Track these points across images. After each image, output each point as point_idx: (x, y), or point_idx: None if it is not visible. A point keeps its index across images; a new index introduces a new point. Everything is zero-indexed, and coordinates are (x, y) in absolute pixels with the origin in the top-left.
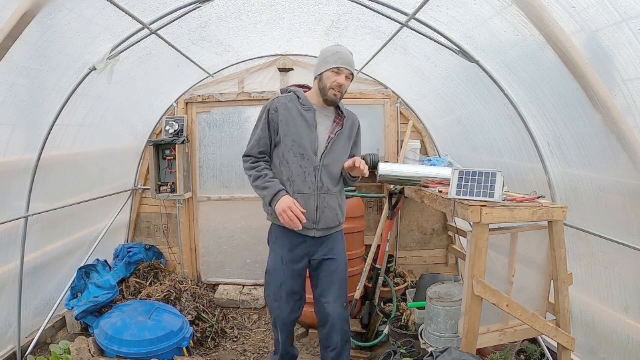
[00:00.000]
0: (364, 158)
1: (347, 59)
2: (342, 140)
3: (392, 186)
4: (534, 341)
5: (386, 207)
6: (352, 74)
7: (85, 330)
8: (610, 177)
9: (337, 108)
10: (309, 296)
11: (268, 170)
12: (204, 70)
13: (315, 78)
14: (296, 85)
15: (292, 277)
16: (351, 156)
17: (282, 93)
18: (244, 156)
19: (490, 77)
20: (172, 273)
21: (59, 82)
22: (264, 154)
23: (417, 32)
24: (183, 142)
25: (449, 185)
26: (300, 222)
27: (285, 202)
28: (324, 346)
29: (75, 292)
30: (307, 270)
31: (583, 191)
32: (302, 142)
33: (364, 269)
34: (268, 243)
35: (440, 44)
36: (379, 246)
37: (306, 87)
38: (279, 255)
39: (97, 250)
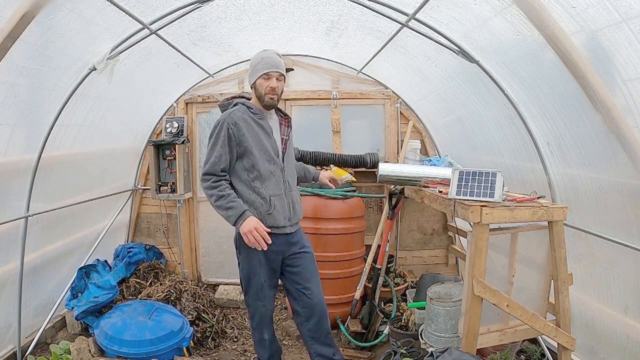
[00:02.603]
0: (362, 157)
1: (274, 61)
2: (291, 139)
3: (392, 186)
4: (534, 341)
5: (386, 207)
6: (282, 75)
7: (85, 330)
8: (610, 177)
9: (278, 109)
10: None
11: (230, 189)
12: (204, 70)
13: (251, 87)
14: (236, 96)
15: (271, 273)
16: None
17: (222, 105)
18: (204, 174)
19: (490, 77)
20: (172, 273)
21: (59, 82)
22: (224, 172)
23: (417, 32)
24: (183, 142)
25: (449, 185)
26: (266, 242)
27: (251, 223)
28: (316, 337)
29: (75, 292)
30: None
31: (583, 191)
32: (266, 149)
33: (364, 269)
34: (238, 249)
35: (440, 44)
36: (379, 246)
37: (245, 97)
38: (256, 258)
39: (97, 250)
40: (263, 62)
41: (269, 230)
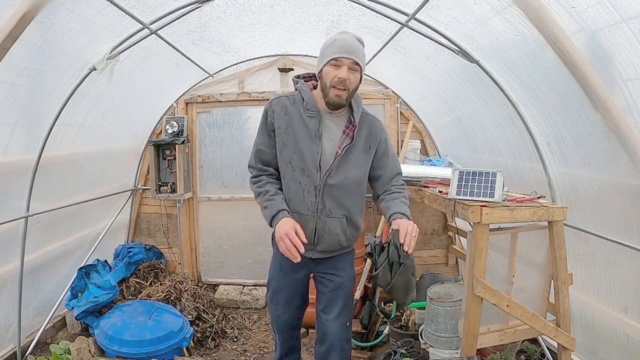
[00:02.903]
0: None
1: (348, 45)
2: (354, 155)
3: None
4: (534, 341)
5: None
6: (358, 64)
7: (85, 330)
8: (610, 177)
9: (351, 112)
10: (312, 296)
11: (270, 185)
12: (204, 70)
13: (317, 78)
14: (306, 76)
15: (291, 286)
16: (377, 176)
17: (294, 83)
18: (248, 167)
19: (490, 77)
20: (172, 273)
21: (59, 82)
22: (265, 164)
23: (417, 32)
24: (183, 142)
25: (449, 185)
26: (299, 252)
27: (284, 228)
28: None
29: (75, 292)
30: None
31: (583, 191)
32: (302, 154)
33: (364, 269)
34: (272, 242)
35: (440, 44)
36: None
37: (314, 79)
38: (279, 261)
39: (97, 250)
40: (335, 45)
41: (304, 238)
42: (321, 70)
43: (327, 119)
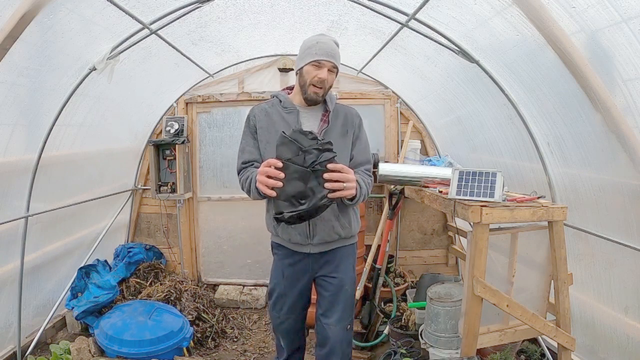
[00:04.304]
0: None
1: (329, 49)
2: (333, 140)
3: (392, 186)
4: (534, 341)
5: (386, 207)
6: (336, 67)
7: (85, 330)
8: (610, 177)
9: (325, 104)
10: (313, 296)
11: (252, 169)
12: (204, 70)
13: (296, 73)
14: (287, 88)
15: (294, 292)
16: (350, 158)
17: (271, 97)
18: (238, 174)
19: (490, 77)
20: (172, 273)
21: (59, 82)
22: (248, 162)
23: (417, 32)
24: (183, 142)
25: (449, 185)
26: (276, 188)
27: (259, 176)
28: None
29: (75, 292)
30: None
31: (583, 191)
32: None
33: (364, 269)
34: (272, 250)
35: (440, 44)
36: (379, 246)
37: (289, 88)
38: (280, 268)
39: (97, 250)
40: (317, 47)
41: (279, 164)
42: (301, 68)
43: (304, 112)
